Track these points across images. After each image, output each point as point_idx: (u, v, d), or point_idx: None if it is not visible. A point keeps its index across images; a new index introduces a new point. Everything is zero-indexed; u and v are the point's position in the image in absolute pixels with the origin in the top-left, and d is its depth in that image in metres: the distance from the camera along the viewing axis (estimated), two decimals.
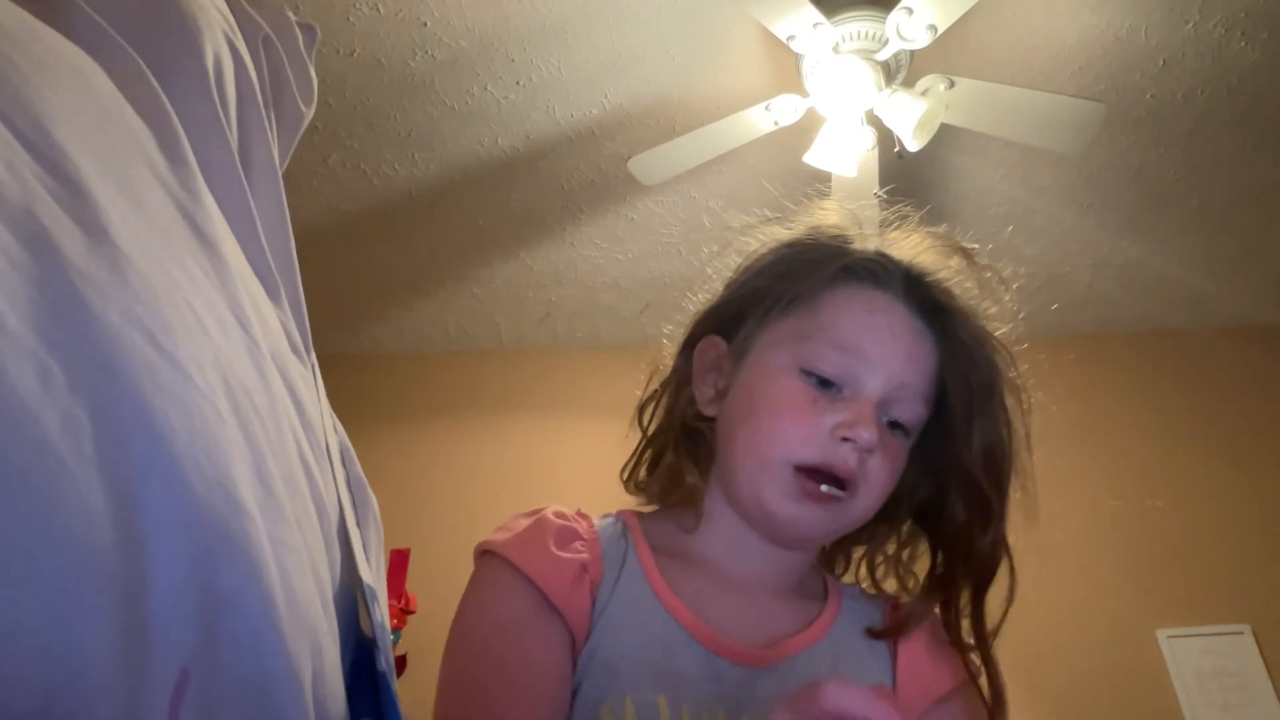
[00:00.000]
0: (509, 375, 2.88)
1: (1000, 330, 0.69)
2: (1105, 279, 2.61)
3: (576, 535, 0.64)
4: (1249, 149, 2.17)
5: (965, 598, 0.66)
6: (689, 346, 0.72)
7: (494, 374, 2.89)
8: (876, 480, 0.62)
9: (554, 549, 0.61)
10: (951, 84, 1.74)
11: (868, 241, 0.70)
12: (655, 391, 0.73)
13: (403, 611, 2.38)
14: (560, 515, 0.65)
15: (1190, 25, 1.84)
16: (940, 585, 0.67)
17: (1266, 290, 2.68)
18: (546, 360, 2.90)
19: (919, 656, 0.64)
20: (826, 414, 0.61)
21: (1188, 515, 2.53)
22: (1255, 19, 1.83)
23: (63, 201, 0.35)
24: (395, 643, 2.14)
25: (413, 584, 2.45)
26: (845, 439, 0.60)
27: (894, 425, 0.64)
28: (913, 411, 0.64)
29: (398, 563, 2.45)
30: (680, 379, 0.71)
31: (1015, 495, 0.66)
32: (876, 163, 1.91)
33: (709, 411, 0.68)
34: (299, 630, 0.39)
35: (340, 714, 0.44)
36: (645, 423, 0.73)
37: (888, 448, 0.63)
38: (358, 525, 0.55)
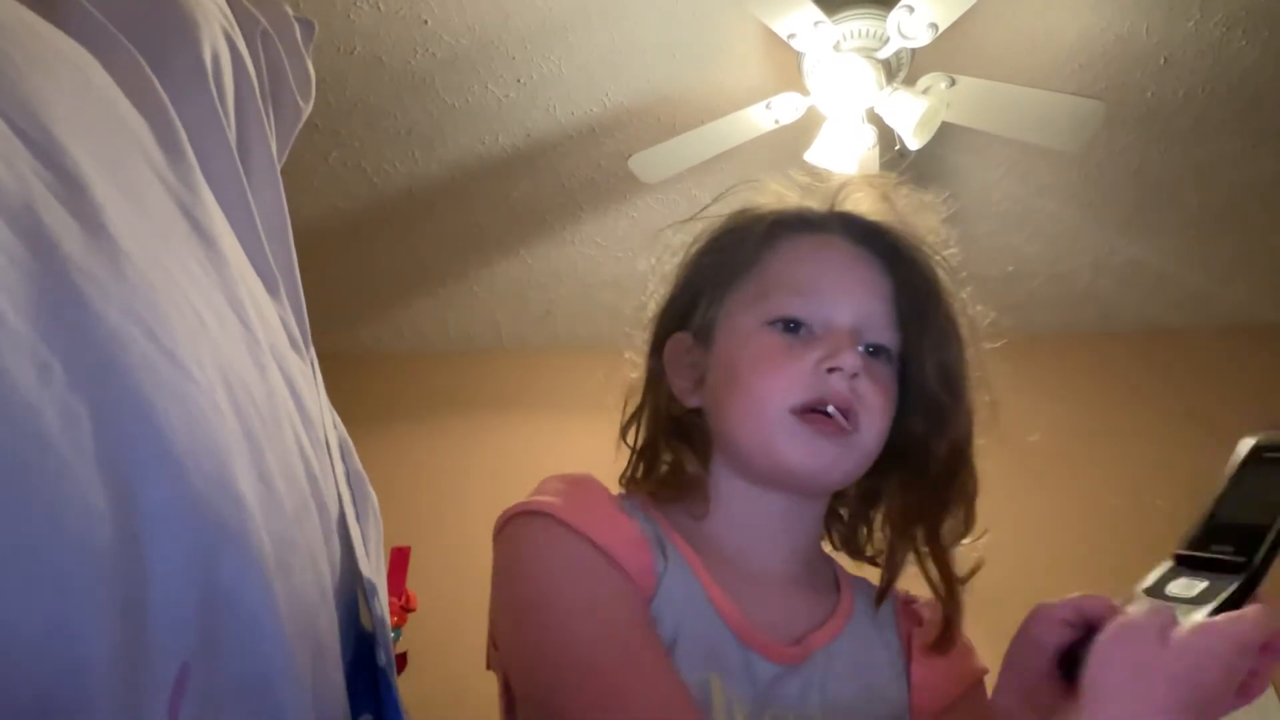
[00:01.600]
0: (509, 374, 2.88)
1: (931, 241, 0.70)
2: (1105, 278, 2.61)
3: (620, 502, 0.63)
4: (1249, 148, 2.17)
5: (923, 513, 0.66)
6: (656, 351, 0.72)
7: (494, 373, 2.89)
8: (874, 404, 0.62)
9: (612, 510, 0.60)
10: (952, 82, 1.74)
11: (787, 200, 0.72)
12: (634, 413, 0.73)
13: (403, 609, 2.38)
14: (598, 481, 0.64)
15: (1191, 24, 1.84)
16: (902, 509, 0.67)
17: (1266, 290, 2.68)
18: (547, 359, 2.90)
19: (933, 656, 0.64)
20: (806, 353, 0.62)
21: (1188, 514, 2.52)
22: (1256, 18, 1.82)
23: (61, 197, 0.35)
24: (396, 640, 2.14)
25: (413, 582, 2.45)
26: (831, 370, 0.61)
27: (873, 352, 0.65)
28: (885, 334, 0.65)
29: (398, 561, 2.45)
30: (656, 381, 0.71)
31: (979, 402, 0.67)
32: (877, 161, 1.91)
33: (691, 402, 0.68)
34: (299, 625, 0.39)
35: (340, 708, 0.44)
36: (631, 440, 0.73)
37: (873, 373, 0.63)
38: (357, 520, 0.55)
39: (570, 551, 0.56)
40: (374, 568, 0.55)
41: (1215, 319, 2.79)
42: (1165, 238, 2.47)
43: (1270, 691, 2.30)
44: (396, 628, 2.31)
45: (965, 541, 0.66)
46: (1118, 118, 2.05)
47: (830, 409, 0.61)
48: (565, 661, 0.53)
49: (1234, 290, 2.67)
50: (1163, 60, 1.93)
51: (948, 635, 0.64)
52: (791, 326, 0.64)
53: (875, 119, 1.81)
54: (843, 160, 1.78)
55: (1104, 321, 2.75)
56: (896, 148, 1.82)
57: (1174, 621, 0.48)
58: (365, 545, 0.54)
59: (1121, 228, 2.43)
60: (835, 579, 0.69)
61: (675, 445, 0.68)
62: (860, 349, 0.63)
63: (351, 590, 0.50)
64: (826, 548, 0.73)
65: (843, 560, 0.73)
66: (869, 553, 0.71)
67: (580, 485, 0.62)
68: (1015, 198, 2.34)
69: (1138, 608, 0.51)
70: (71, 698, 0.28)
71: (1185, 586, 0.52)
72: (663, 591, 0.58)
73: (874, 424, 0.63)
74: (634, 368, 0.74)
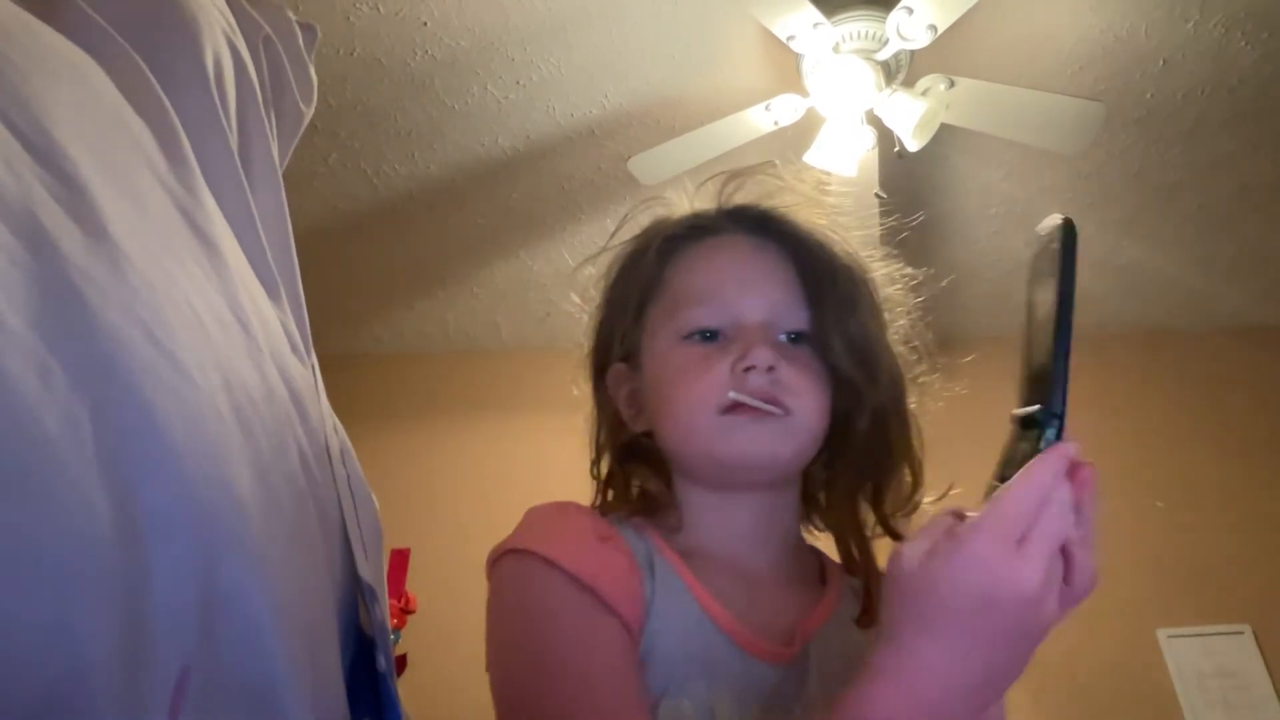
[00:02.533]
0: (509, 375, 2.88)
1: (822, 216, 0.70)
2: (1105, 279, 2.61)
3: (608, 530, 0.62)
4: (1249, 149, 2.17)
5: (856, 486, 0.67)
6: (599, 385, 0.73)
7: (494, 374, 2.89)
8: (801, 387, 0.63)
9: (598, 544, 0.60)
10: (951, 84, 1.74)
11: (676, 210, 0.73)
12: (597, 445, 0.74)
13: (403, 611, 2.38)
14: (583, 510, 0.65)
15: (1190, 25, 1.84)
16: (841, 483, 0.68)
17: (1266, 290, 2.68)
18: (547, 360, 2.90)
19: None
20: (721, 359, 0.63)
21: (1188, 515, 2.53)
22: (1255, 19, 1.83)
23: (62, 200, 0.35)
24: (395, 642, 2.14)
25: (413, 584, 2.45)
26: (746, 369, 0.62)
27: (793, 339, 0.65)
28: (800, 319, 0.65)
29: (398, 562, 2.45)
30: (605, 413, 0.73)
31: (904, 360, 0.68)
32: (876, 163, 1.91)
33: (638, 427, 0.69)
34: (299, 629, 0.39)
35: (340, 713, 0.44)
36: (598, 475, 0.74)
37: (794, 357, 0.64)
38: (357, 525, 0.55)
39: (555, 596, 0.56)
40: (374, 572, 0.55)
41: (1215, 320, 2.79)
42: (1165, 239, 2.47)
43: (1270, 691, 2.30)
44: (396, 629, 2.31)
45: (927, 502, 0.67)
46: (1117, 119, 2.05)
47: (752, 400, 0.61)
48: (544, 712, 0.54)
49: (1234, 291, 2.67)
50: (1162, 62, 1.93)
51: (869, 608, 0.63)
52: (705, 335, 0.65)
53: (875, 121, 1.82)
54: (842, 162, 1.79)
55: (1104, 323, 2.75)
56: (896, 149, 1.82)
57: (947, 534, 0.46)
58: (365, 550, 0.54)
59: (1121, 229, 2.44)
60: (822, 568, 0.70)
61: (633, 468, 0.69)
62: (779, 338, 0.64)
63: (351, 594, 0.50)
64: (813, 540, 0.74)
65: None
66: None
67: (565, 516, 0.63)
68: (1015, 199, 2.34)
69: (923, 529, 0.48)
70: (72, 700, 0.28)
71: (1021, 456, 0.48)
72: (654, 616, 0.58)
73: (805, 403, 0.63)
74: (588, 404, 0.75)
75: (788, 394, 0.62)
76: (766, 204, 0.70)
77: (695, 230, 0.70)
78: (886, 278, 0.71)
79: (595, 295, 0.76)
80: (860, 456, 0.66)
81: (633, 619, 0.57)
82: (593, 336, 0.75)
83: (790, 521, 0.69)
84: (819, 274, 0.66)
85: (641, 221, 0.75)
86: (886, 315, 0.69)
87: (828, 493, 0.71)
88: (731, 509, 0.66)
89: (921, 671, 0.45)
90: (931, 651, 0.45)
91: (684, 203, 0.74)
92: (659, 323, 0.68)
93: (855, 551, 0.67)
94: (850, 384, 0.65)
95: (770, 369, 0.61)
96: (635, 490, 0.69)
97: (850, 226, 0.71)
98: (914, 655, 0.45)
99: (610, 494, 0.71)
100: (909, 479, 0.67)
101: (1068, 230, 0.48)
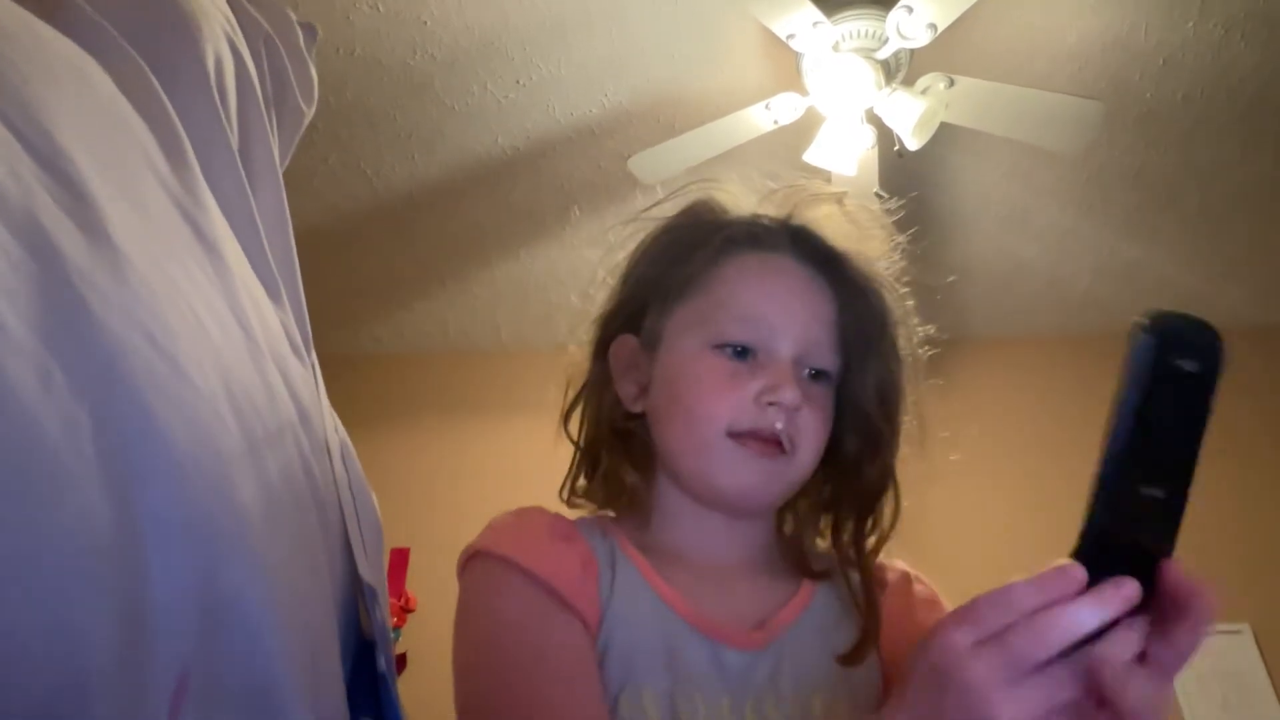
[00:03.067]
0: (509, 375, 2.88)
1: (883, 265, 0.70)
2: (1105, 280, 2.61)
3: (568, 530, 0.64)
4: (1249, 150, 2.17)
5: (850, 523, 0.67)
6: (601, 351, 0.72)
7: (494, 374, 2.89)
8: (811, 431, 0.63)
9: (553, 543, 0.61)
10: (951, 83, 1.74)
11: (742, 206, 0.71)
12: (574, 400, 0.73)
13: (402, 610, 2.39)
14: (543, 512, 0.66)
15: (1190, 25, 1.84)
16: (826, 509, 0.69)
17: (1266, 290, 2.68)
18: (547, 360, 2.89)
19: (897, 624, 0.64)
20: (748, 382, 0.62)
21: (1188, 515, 2.52)
22: (1255, 19, 1.82)
23: (63, 203, 0.35)
24: (395, 641, 2.14)
25: (412, 583, 2.45)
26: (770, 403, 0.61)
27: (814, 375, 0.65)
28: (828, 360, 0.65)
29: (397, 562, 2.45)
30: (600, 383, 0.71)
31: (908, 423, 0.68)
32: (876, 161, 1.91)
33: (636, 409, 0.69)
34: (299, 630, 0.39)
35: (340, 714, 0.44)
36: (573, 433, 0.73)
37: (813, 398, 0.64)
38: (358, 525, 0.55)
39: (513, 596, 0.59)
40: (374, 573, 0.55)
41: (1215, 320, 2.77)
42: (1165, 239, 2.47)
43: (1270, 691, 2.30)
44: (396, 629, 2.31)
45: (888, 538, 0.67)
46: (1117, 119, 2.05)
47: (766, 435, 0.61)
48: (499, 709, 0.56)
49: (1234, 292, 2.67)
50: (1162, 62, 1.93)
51: (860, 648, 0.62)
52: (736, 351, 0.64)
53: (874, 119, 1.82)
54: (842, 160, 1.79)
55: (1105, 324, 2.75)
56: (895, 148, 1.82)
57: (971, 622, 0.43)
58: (365, 551, 0.54)
59: (1121, 230, 2.43)
60: (801, 561, 0.69)
61: (615, 455, 0.69)
62: (803, 375, 0.64)
63: (352, 596, 0.50)
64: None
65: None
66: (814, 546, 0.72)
67: (522, 517, 0.64)
68: (1014, 199, 2.34)
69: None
70: (73, 703, 0.28)
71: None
72: (610, 614, 0.59)
73: (809, 448, 0.64)
74: (577, 358, 0.74)
75: (798, 435, 0.62)
76: (831, 241, 0.69)
77: (754, 239, 0.68)
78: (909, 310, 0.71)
79: (628, 259, 0.73)
80: (863, 500, 0.67)
81: (590, 614, 0.58)
82: (613, 301, 0.73)
83: (764, 526, 0.69)
84: (865, 327, 0.66)
85: (693, 198, 0.72)
86: (910, 374, 0.69)
87: (833, 526, 0.69)
88: (705, 515, 0.66)
89: None
90: (899, 715, 0.45)
91: (746, 198, 0.71)
92: (692, 319, 0.67)
93: (860, 594, 0.65)
94: (874, 434, 0.65)
95: (794, 410, 0.62)
96: (613, 482, 0.68)
97: (901, 271, 0.70)
98: (890, 715, 0.46)
99: (583, 475, 0.72)
100: (892, 514, 0.67)
101: (1136, 332, 0.42)
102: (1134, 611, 0.41)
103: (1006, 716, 0.40)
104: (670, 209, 0.73)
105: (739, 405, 0.62)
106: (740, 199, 0.72)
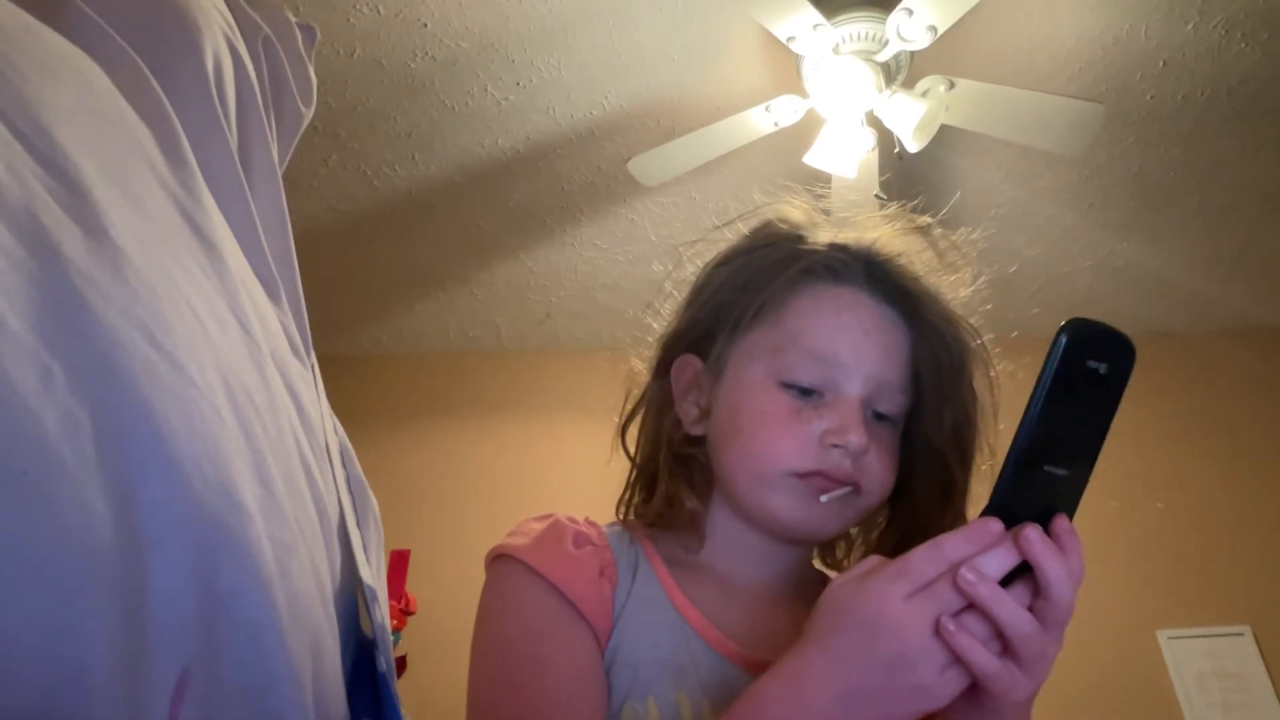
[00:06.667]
0: (509, 376, 2.88)
1: (964, 300, 0.69)
2: (1105, 280, 2.61)
3: (589, 539, 0.64)
4: (1249, 149, 2.17)
5: None
6: (663, 370, 0.71)
7: (494, 375, 2.89)
8: (877, 473, 0.62)
9: (572, 550, 0.62)
10: (951, 85, 1.74)
11: (820, 234, 0.69)
12: (632, 411, 0.73)
13: (402, 612, 2.38)
14: (572, 520, 0.65)
15: (1190, 26, 1.84)
16: (882, 541, 0.69)
17: (1266, 290, 2.68)
18: (547, 361, 2.90)
19: None
20: (812, 422, 0.61)
21: (1188, 516, 2.53)
22: (1255, 20, 1.83)
23: (63, 202, 0.35)
24: (395, 643, 2.14)
25: (413, 584, 2.45)
26: (835, 445, 0.60)
27: (880, 416, 0.64)
28: (895, 402, 0.64)
29: (398, 563, 2.45)
30: (660, 403, 0.70)
31: (981, 467, 0.67)
32: (876, 164, 1.91)
33: (696, 431, 0.68)
34: (299, 631, 0.39)
35: (340, 715, 0.44)
36: (630, 446, 0.73)
37: (879, 439, 0.63)
38: (358, 526, 0.55)
39: (526, 600, 0.60)
40: (375, 574, 0.55)
41: (1215, 321, 2.79)
42: (1165, 240, 2.47)
43: (1269, 692, 2.30)
44: (396, 630, 2.31)
45: None
46: (1117, 120, 2.05)
47: (831, 476, 0.61)
48: (500, 711, 0.57)
49: (1234, 292, 2.67)
50: (1162, 63, 1.93)
51: None
52: (803, 390, 0.62)
53: (875, 122, 1.82)
54: (842, 163, 1.79)
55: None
56: (896, 150, 1.82)
57: (870, 570, 0.50)
58: (366, 551, 0.54)
59: (1121, 230, 2.44)
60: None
61: (675, 478, 0.67)
62: (869, 415, 0.63)
63: (352, 596, 0.50)
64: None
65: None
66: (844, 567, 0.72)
67: (550, 529, 0.64)
68: (1015, 200, 2.34)
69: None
70: (72, 702, 0.28)
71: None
72: (622, 623, 0.60)
73: (876, 484, 0.63)
74: (638, 373, 0.73)
75: (864, 475, 0.61)
76: (910, 279, 0.67)
77: (832, 272, 0.66)
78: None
79: (698, 277, 0.72)
80: (925, 535, 0.67)
81: (601, 623, 0.59)
82: (680, 321, 0.71)
83: (804, 554, 0.69)
84: (941, 367, 0.65)
85: (765, 219, 0.71)
86: (987, 418, 0.68)
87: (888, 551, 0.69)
88: (752, 538, 0.66)
89: (811, 676, 0.48)
90: (819, 660, 0.48)
91: (824, 230, 0.69)
92: (761, 348, 0.65)
93: None
94: (949, 481, 0.65)
95: (860, 453, 0.61)
96: (660, 497, 0.67)
97: (985, 310, 0.70)
98: (808, 662, 0.49)
99: (638, 491, 0.71)
100: None
101: (1057, 334, 0.48)
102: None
103: (935, 654, 0.46)
104: (742, 226, 0.72)
105: (803, 446, 0.61)
106: (816, 226, 0.70)
